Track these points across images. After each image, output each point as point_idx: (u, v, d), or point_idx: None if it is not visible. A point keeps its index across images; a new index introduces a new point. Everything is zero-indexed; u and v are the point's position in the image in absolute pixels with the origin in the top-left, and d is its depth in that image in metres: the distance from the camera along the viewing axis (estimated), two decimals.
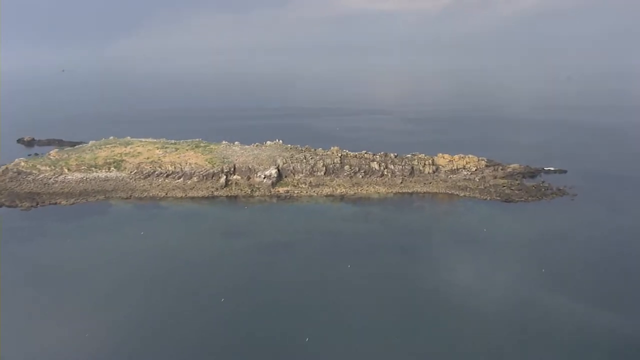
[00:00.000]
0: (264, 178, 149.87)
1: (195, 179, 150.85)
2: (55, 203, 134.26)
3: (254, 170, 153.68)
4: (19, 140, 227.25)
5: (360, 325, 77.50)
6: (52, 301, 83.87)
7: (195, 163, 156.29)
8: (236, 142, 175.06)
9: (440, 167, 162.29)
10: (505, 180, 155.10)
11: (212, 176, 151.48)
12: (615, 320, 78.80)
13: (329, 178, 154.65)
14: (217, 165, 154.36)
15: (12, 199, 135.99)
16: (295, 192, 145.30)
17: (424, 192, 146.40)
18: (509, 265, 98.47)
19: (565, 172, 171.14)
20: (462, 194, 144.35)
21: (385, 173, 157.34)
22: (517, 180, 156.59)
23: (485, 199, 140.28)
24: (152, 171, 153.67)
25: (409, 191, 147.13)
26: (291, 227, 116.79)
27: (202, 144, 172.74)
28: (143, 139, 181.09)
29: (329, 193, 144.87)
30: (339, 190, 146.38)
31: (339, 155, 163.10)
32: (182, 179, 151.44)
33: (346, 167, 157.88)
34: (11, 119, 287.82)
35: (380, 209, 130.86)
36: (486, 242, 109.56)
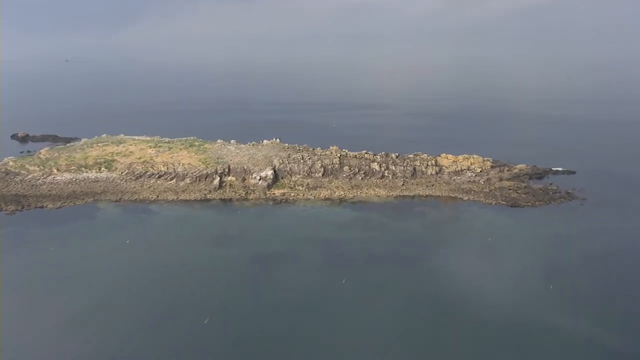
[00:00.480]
0: (260, 180, 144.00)
1: (188, 180, 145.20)
2: (42, 207, 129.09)
3: (249, 171, 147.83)
4: (13, 136, 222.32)
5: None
6: (18, 316, 78.33)
7: (189, 163, 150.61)
8: (232, 141, 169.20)
9: (444, 168, 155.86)
10: (512, 183, 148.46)
11: (206, 177, 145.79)
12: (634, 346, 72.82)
13: (327, 180, 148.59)
14: (211, 166, 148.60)
15: None
16: (292, 194, 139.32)
17: (426, 196, 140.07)
18: (514, 281, 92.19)
19: (574, 172, 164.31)
20: (466, 198, 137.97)
21: (386, 174, 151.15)
22: (523, 182, 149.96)
23: (491, 203, 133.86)
24: (143, 172, 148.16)
25: (411, 194, 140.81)
26: (284, 235, 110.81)
27: (196, 143, 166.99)
28: (136, 137, 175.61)
29: (326, 196, 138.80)
30: (337, 193, 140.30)
31: (338, 155, 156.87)
32: (174, 180, 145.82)
33: (345, 168, 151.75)
34: (7, 113, 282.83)
35: (379, 215, 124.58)
36: (490, 253, 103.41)
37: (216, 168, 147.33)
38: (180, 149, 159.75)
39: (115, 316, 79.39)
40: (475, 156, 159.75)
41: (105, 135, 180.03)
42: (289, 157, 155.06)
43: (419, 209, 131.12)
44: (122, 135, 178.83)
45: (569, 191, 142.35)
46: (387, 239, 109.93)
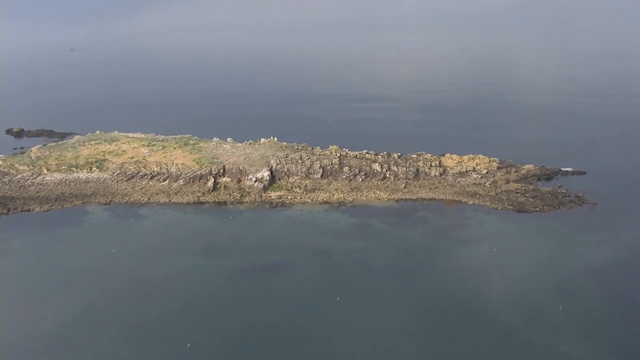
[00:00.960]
0: (255, 181, 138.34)
1: (181, 181, 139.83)
2: (28, 210, 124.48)
3: (245, 172, 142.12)
4: (7, 131, 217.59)
5: None
6: None
7: (182, 163, 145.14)
8: (228, 139, 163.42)
9: (448, 168, 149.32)
10: (519, 185, 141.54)
11: (200, 178, 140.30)
12: None
13: (326, 181, 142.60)
14: (206, 167, 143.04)
15: None
16: (289, 197, 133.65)
17: (429, 199, 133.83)
18: (519, 299, 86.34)
19: (584, 173, 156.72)
20: (470, 202, 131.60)
21: (388, 175, 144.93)
22: (531, 184, 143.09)
23: (497, 208, 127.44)
24: (135, 172, 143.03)
25: (413, 197, 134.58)
26: (278, 245, 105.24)
27: (191, 141, 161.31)
28: (130, 135, 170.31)
29: (325, 199, 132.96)
30: (336, 196, 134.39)
31: (338, 155, 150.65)
32: (167, 181, 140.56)
33: (345, 169, 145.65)
34: (4, 107, 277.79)
35: (379, 221, 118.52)
36: (496, 267, 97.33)
37: (210, 169, 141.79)
38: (175, 148, 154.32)
39: (86, 339, 74.65)
40: (481, 156, 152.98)
41: (98, 132, 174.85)
42: (287, 157, 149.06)
43: (422, 214, 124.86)
44: (115, 132, 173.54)
45: (579, 195, 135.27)
46: (387, 249, 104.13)
